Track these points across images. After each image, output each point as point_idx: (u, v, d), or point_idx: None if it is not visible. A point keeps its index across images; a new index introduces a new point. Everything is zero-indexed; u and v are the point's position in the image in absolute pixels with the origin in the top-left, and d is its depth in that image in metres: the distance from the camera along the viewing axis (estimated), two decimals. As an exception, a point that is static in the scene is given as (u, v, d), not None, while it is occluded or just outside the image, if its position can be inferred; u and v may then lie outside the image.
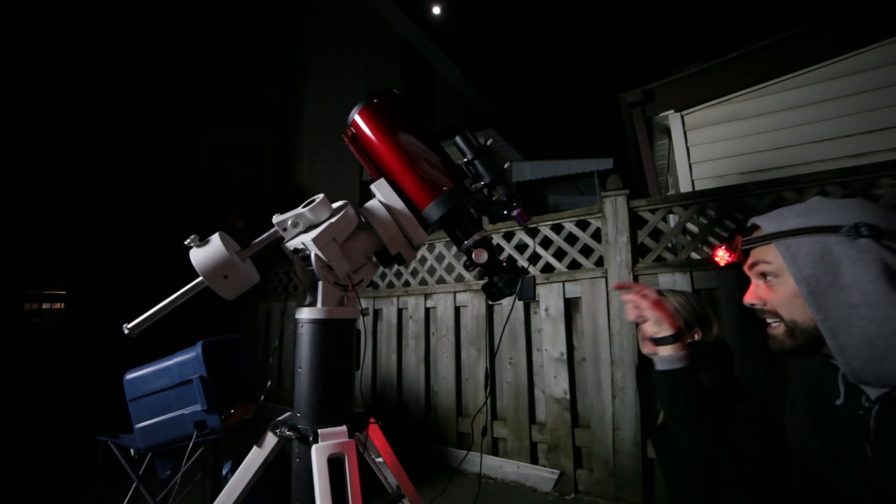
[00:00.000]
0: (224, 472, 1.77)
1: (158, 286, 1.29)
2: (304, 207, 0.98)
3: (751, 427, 0.98)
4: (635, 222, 2.59)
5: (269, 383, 1.35)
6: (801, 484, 0.79)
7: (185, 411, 1.80)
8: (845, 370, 0.68)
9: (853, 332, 0.65)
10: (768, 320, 0.78)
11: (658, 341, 0.99)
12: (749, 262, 0.80)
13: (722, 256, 0.87)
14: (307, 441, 0.89)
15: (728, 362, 1.32)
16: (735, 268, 2.14)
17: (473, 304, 3.16)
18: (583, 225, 2.80)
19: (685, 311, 1.36)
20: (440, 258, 3.47)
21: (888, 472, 0.65)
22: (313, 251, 0.93)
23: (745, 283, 0.82)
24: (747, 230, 0.82)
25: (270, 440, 0.97)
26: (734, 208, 2.31)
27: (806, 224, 0.71)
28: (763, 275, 0.77)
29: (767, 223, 0.77)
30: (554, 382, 2.73)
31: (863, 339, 0.64)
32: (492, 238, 3.09)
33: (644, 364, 1.51)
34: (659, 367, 0.98)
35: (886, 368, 0.63)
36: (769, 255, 0.75)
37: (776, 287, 0.75)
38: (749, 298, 0.79)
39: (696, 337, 1.35)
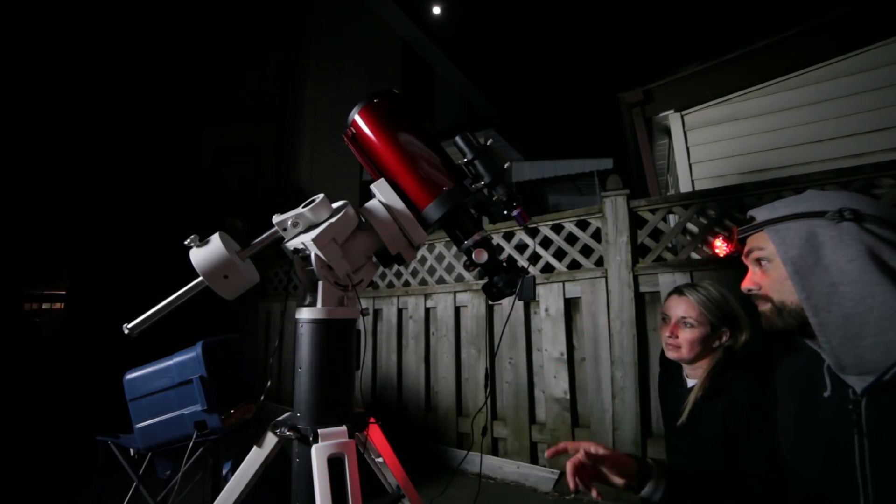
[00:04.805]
0: (224, 472, 1.77)
1: (158, 286, 1.29)
2: (304, 207, 0.98)
3: (763, 451, 0.94)
4: (635, 222, 2.59)
5: (269, 383, 1.35)
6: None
7: (185, 411, 1.80)
8: (827, 351, 0.71)
9: (832, 310, 0.69)
10: (758, 302, 0.82)
11: (634, 490, 0.89)
12: (745, 250, 0.84)
13: (720, 247, 0.90)
14: (307, 441, 0.89)
15: (765, 374, 1.14)
16: (734, 267, 2.13)
17: (473, 304, 3.16)
18: (583, 225, 2.80)
19: (708, 311, 1.27)
20: (440, 258, 3.47)
21: (881, 465, 0.66)
22: (313, 251, 0.93)
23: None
24: (745, 222, 0.86)
25: (270, 440, 0.97)
26: (734, 208, 2.30)
27: (794, 211, 0.76)
28: (758, 261, 0.81)
29: (760, 213, 0.81)
30: (554, 382, 2.73)
31: (841, 316, 0.68)
32: (492, 238, 3.09)
33: (665, 362, 1.47)
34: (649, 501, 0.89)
35: (863, 348, 0.66)
36: (762, 242, 0.79)
37: (769, 271, 0.79)
38: (746, 284, 0.83)
39: (724, 338, 1.27)
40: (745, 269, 0.85)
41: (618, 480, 0.87)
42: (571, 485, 0.83)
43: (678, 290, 1.37)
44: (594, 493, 0.86)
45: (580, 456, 0.86)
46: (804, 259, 0.72)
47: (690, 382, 1.33)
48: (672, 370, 1.43)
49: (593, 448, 0.87)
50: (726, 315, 1.28)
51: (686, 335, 1.28)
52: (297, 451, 0.92)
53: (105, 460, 2.03)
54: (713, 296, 1.29)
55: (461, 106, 11.72)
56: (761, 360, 1.23)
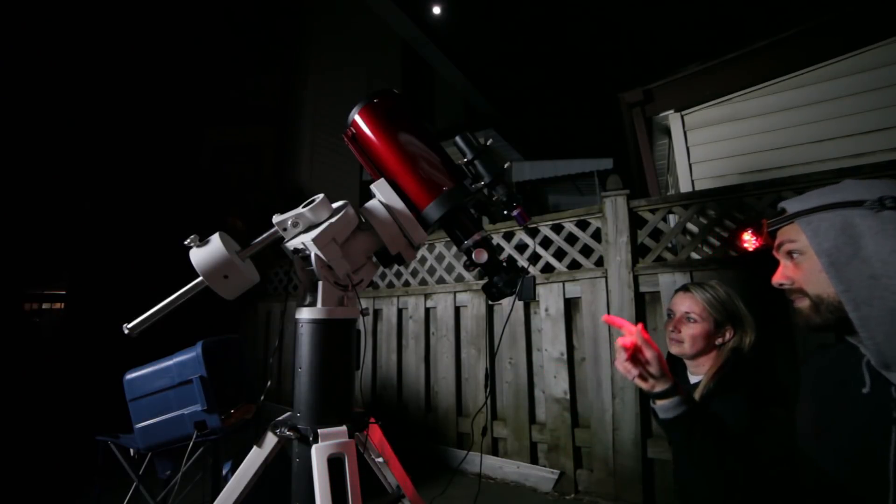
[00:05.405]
0: (224, 472, 1.77)
1: (158, 286, 1.29)
2: (304, 207, 0.98)
3: (776, 442, 0.92)
4: (635, 222, 2.59)
5: (269, 383, 1.35)
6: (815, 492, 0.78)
7: (185, 411, 1.80)
8: (869, 348, 0.68)
9: (875, 304, 0.65)
10: (794, 298, 0.78)
11: (658, 396, 0.93)
12: (776, 243, 0.81)
13: (749, 241, 0.86)
14: (307, 441, 0.89)
15: (772, 371, 1.20)
16: (735, 267, 2.12)
17: (473, 304, 3.16)
18: (583, 225, 2.80)
19: (713, 308, 1.29)
20: (440, 258, 3.47)
21: None
22: (313, 251, 0.93)
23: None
24: (776, 214, 0.83)
25: (270, 440, 0.97)
26: (734, 208, 2.30)
27: (828, 201, 0.72)
28: (790, 254, 0.78)
29: (791, 205, 0.78)
30: (554, 382, 2.73)
31: (885, 310, 0.64)
32: (492, 238, 3.09)
33: (670, 361, 1.48)
34: (664, 416, 0.92)
35: None
36: (793, 234, 0.76)
37: (802, 264, 0.75)
38: (777, 278, 0.79)
39: (728, 336, 1.28)
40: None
41: (652, 375, 0.92)
42: (624, 357, 0.91)
43: (685, 288, 1.39)
44: (635, 372, 0.92)
45: (636, 338, 0.93)
46: (840, 250, 0.68)
47: (694, 379, 1.34)
48: (677, 369, 1.43)
49: (647, 338, 0.93)
50: (731, 314, 1.29)
51: (689, 330, 1.30)
52: (297, 451, 0.92)
53: (105, 460, 2.03)
54: (719, 294, 1.31)
55: (461, 106, 11.73)
56: (766, 359, 1.24)
